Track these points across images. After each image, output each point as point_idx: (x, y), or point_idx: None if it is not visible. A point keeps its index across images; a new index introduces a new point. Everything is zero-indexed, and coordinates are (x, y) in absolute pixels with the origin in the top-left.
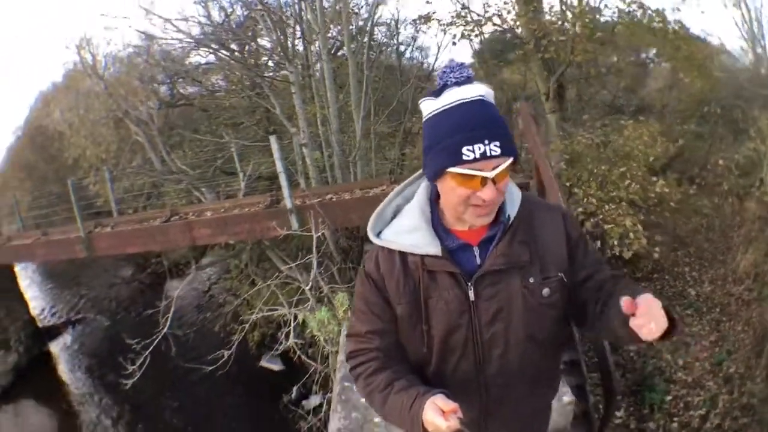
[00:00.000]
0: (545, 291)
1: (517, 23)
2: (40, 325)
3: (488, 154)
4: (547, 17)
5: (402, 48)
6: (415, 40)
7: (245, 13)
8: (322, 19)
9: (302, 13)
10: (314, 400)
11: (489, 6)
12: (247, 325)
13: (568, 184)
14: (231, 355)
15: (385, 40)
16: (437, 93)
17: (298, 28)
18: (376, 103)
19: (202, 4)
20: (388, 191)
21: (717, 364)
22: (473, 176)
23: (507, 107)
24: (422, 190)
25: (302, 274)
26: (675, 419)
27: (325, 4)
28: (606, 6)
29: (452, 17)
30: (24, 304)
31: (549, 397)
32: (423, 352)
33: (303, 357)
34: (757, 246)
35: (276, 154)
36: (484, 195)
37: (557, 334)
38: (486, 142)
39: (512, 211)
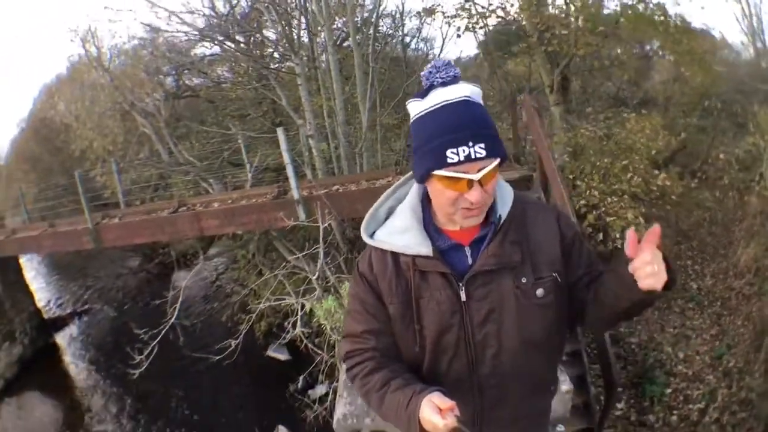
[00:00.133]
0: (539, 291)
1: (521, 16)
2: (45, 316)
3: (473, 156)
4: (551, 10)
5: (407, 39)
6: (420, 32)
7: (250, 4)
8: (327, 10)
9: (307, 4)
10: (320, 390)
11: None
12: (254, 315)
13: (571, 176)
14: (238, 344)
15: (390, 31)
16: (423, 94)
17: (303, 19)
18: (381, 94)
19: None
20: (394, 182)
21: (717, 357)
22: (459, 179)
23: (511, 99)
24: (414, 190)
25: (309, 265)
26: (674, 412)
27: None
28: None
29: (456, 10)
30: (29, 295)
31: (546, 399)
32: (416, 351)
33: (310, 345)
34: (759, 241)
35: (283, 146)
36: (471, 197)
37: (553, 335)
38: (470, 144)
39: (503, 210)
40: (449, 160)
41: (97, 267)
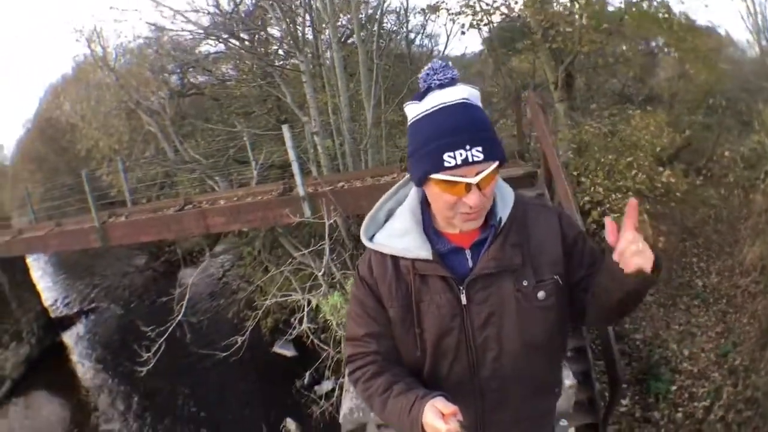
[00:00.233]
0: (540, 294)
1: (525, 13)
2: (52, 315)
3: (470, 159)
4: (555, 7)
5: (412, 36)
6: (424, 28)
7: (254, 2)
8: (332, 7)
9: (311, 1)
10: (326, 386)
11: None
12: (260, 312)
13: (575, 173)
14: (244, 341)
15: (394, 28)
16: (421, 96)
17: (307, 16)
18: (386, 91)
19: None
20: (399, 179)
21: (722, 355)
22: (457, 182)
23: (516, 96)
24: (413, 193)
25: (315, 261)
26: (679, 409)
27: None
28: None
29: (461, 7)
30: (36, 295)
31: (549, 400)
32: (417, 355)
33: (316, 341)
34: (764, 239)
35: (288, 143)
36: (469, 201)
37: (555, 336)
38: (468, 147)
39: (504, 213)
40: (446, 164)
41: (104, 266)
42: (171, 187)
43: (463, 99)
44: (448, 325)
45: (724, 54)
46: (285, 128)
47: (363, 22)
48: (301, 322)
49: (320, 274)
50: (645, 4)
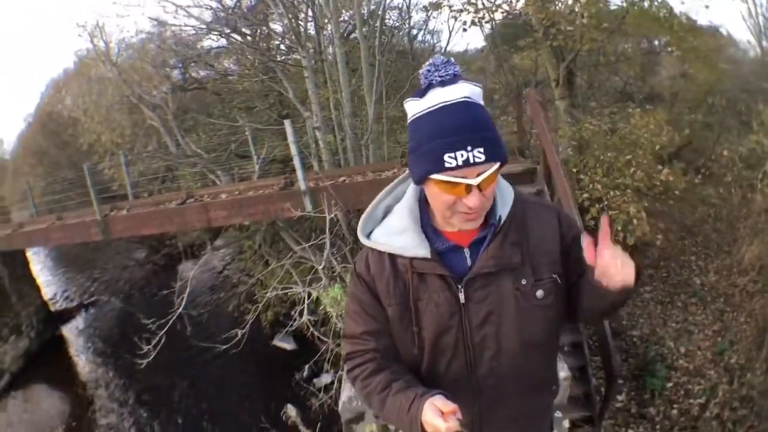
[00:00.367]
0: (539, 293)
1: (527, 11)
2: (52, 309)
3: (471, 161)
4: (557, 6)
5: (414, 32)
6: (426, 24)
7: None
8: (334, 3)
9: None
10: (325, 378)
11: None
12: (260, 305)
13: (575, 170)
14: (244, 334)
15: (397, 24)
16: (421, 93)
17: (309, 12)
18: (388, 86)
19: None
20: (399, 174)
21: (719, 353)
22: (457, 183)
23: (517, 92)
24: (411, 190)
25: (315, 255)
26: (675, 406)
27: None
28: None
29: (463, 4)
30: (36, 288)
31: (546, 398)
32: (414, 353)
33: (316, 333)
34: (763, 239)
35: (290, 138)
36: (469, 202)
37: (552, 336)
38: (469, 148)
39: (503, 211)
40: (447, 165)
41: (104, 259)
42: (173, 181)
43: (465, 97)
44: (447, 324)
45: (725, 54)
46: (287, 123)
47: (365, 17)
48: (301, 314)
49: (321, 267)
50: (646, 4)
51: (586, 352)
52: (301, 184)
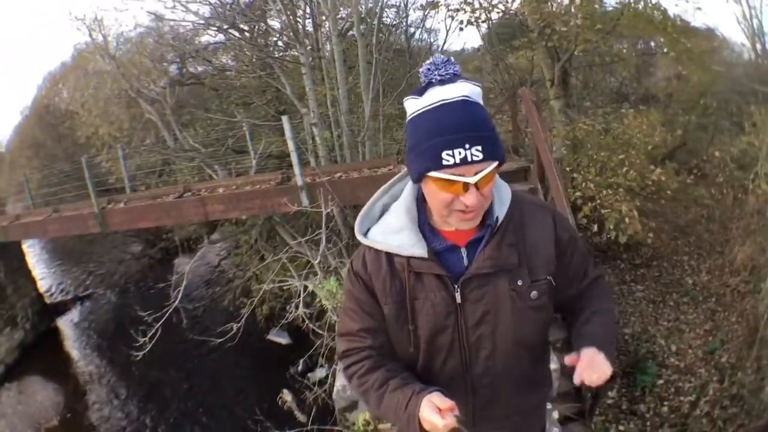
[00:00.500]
0: (533, 294)
1: (523, 11)
2: (47, 301)
3: (469, 159)
4: (552, 7)
5: (411, 30)
6: (423, 23)
7: None
8: (332, 0)
9: None
10: (320, 373)
11: None
12: (255, 299)
13: (568, 169)
14: (239, 328)
15: (394, 22)
16: (421, 91)
17: (307, 9)
18: (384, 84)
19: None
20: (395, 171)
21: (710, 352)
22: (455, 181)
23: (512, 92)
24: (409, 188)
25: (311, 250)
26: (665, 403)
27: None
28: None
29: (459, 3)
30: (32, 280)
31: (539, 397)
32: (410, 351)
33: (311, 325)
34: (755, 239)
35: (288, 134)
36: (466, 200)
37: (545, 336)
38: (467, 146)
39: (501, 212)
40: (444, 162)
41: (100, 253)
42: (170, 176)
43: (464, 96)
44: (443, 323)
45: (719, 56)
46: (285, 119)
47: (363, 15)
48: (297, 307)
49: (316, 262)
50: (640, 5)
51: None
52: (298, 180)
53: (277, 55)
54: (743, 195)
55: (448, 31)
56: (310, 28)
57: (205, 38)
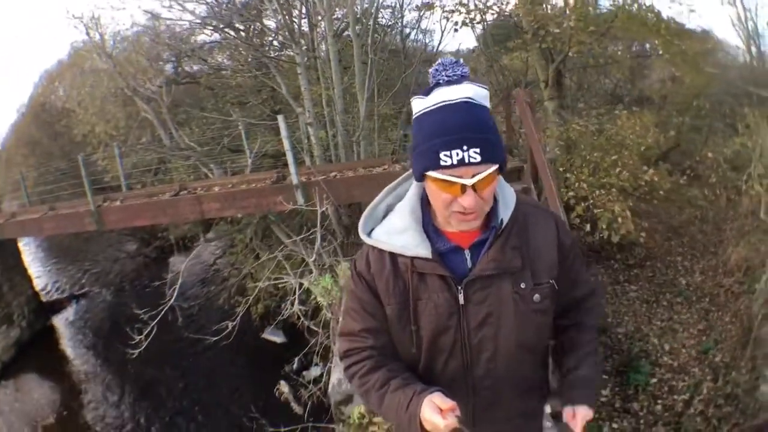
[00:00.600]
0: (536, 297)
1: (518, 12)
2: (43, 299)
3: (466, 160)
4: (546, 9)
5: (406, 31)
6: (419, 23)
7: None
8: (328, 1)
9: None
10: (315, 371)
11: None
12: (250, 297)
13: (562, 169)
14: (234, 326)
15: (389, 22)
16: (427, 91)
17: (303, 9)
18: (380, 84)
19: None
20: (390, 171)
21: (704, 352)
22: (452, 182)
23: (506, 93)
24: (413, 189)
25: (306, 248)
26: (659, 401)
27: None
28: None
29: (455, 4)
30: (27, 279)
31: (539, 400)
32: (412, 352)
33: (306, 323)
34: (749, 240)
35: (283, 133)
36: (464, 202)
37: (546, 339)
38: (464, 148)
39: (505, 214)
40: (442, 163)
41: (95, 251)
42: (165, 174)
43: (467, 98)
44: (445, 324)
45: (714, 58)
46: (280, 119)
47: (358, 15)
48: (292, 304)
49: (311, 260)
50: (634, 8)
51: None
52: (294, 178)
53: (272, 55)
54: (736, 196)
55: (443, 32)
56: (305, 28)
57: (201, 37)
